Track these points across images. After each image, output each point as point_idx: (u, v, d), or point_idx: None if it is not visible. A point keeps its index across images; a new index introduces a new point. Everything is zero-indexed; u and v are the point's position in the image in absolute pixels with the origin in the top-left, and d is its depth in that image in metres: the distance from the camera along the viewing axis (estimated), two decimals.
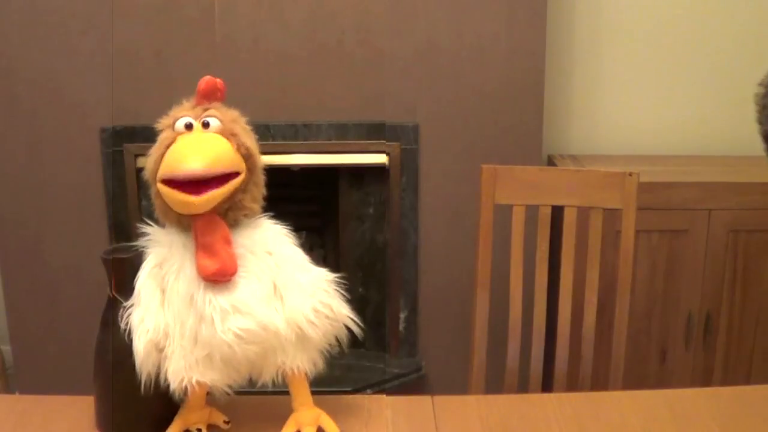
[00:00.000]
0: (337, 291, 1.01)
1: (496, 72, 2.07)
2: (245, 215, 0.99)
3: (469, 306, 1.64)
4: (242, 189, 0.96)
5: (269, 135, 2.04)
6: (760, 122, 0.99)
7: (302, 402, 1.03)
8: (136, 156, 2.03)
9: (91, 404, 1.07)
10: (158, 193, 0.94)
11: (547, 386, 1.63)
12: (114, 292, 1.00)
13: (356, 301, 1.08)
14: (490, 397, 1.17)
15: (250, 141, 0.98)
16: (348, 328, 1.02)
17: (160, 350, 0.95)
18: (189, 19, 1.99)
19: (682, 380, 2.18)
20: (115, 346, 0.99)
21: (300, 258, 1.01)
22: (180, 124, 0.95)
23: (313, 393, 1.05)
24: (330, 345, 1.01)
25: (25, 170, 2.06)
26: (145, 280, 0.97)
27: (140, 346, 0.94)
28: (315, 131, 2.06)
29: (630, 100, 2.42)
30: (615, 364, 1.56)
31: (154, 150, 0.95)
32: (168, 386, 0.95)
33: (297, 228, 1.04)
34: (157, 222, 1.00)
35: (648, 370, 2.18)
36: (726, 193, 2.07)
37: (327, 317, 0.99)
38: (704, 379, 2.18)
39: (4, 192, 2.07)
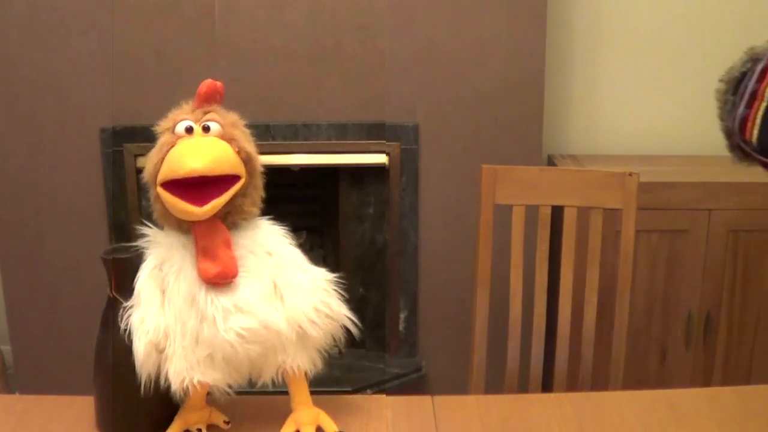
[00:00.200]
0: (336, 291, 1.02)
1: (496, 72, 2.07)
2: (244, 219, 0.99)
3: (469, 306, 1.64)
4: (242, 193, 0.97)
5: (269, 135, 2.04)
6: (722, 118, 0.99)
7: (301, 401, 1.04)
8: (136, 156, 2.03)
9: (91, 404, 1.07)
10: (158, 196, 0.94)
11: (547, 386, 1.63)
12: (114, 293, 1.00)
13: (356, 301, 1.09)
14: (490, 397, 1.17)
15: (250, 145, 0.98)
16: (346, 328, 1.02)
17: (161, 351, 0.95)
18: (189, 19, 1.99)
19: (682, 380, 2.18)
20: (115, 347, 0.99)
21: (299, 258, 1.02)
22: (180, 128, 0.95)
23: (313, 393, 1.05)
24: (329, 344, 1.02)
25: (25, 170, 2.06)
26: (145, 281, 0.97)
27: (140, 347, 0.94)
28: (315, 131, 2.06)
29: (630, 100, 2.42)
30: (615, 364, 1.56)
31: (154, 153, 0.95)
32: (168, 386, 0.95)
33: (297, 228, 1.05)
34: (155, 224, 1.00)
35: (648, 370, 2.18)
36: (726, 193, 2.07)
37: (327, 316, 1.00)
38: (704, 379, 2.18)
39: (4, 192, 2.07)
